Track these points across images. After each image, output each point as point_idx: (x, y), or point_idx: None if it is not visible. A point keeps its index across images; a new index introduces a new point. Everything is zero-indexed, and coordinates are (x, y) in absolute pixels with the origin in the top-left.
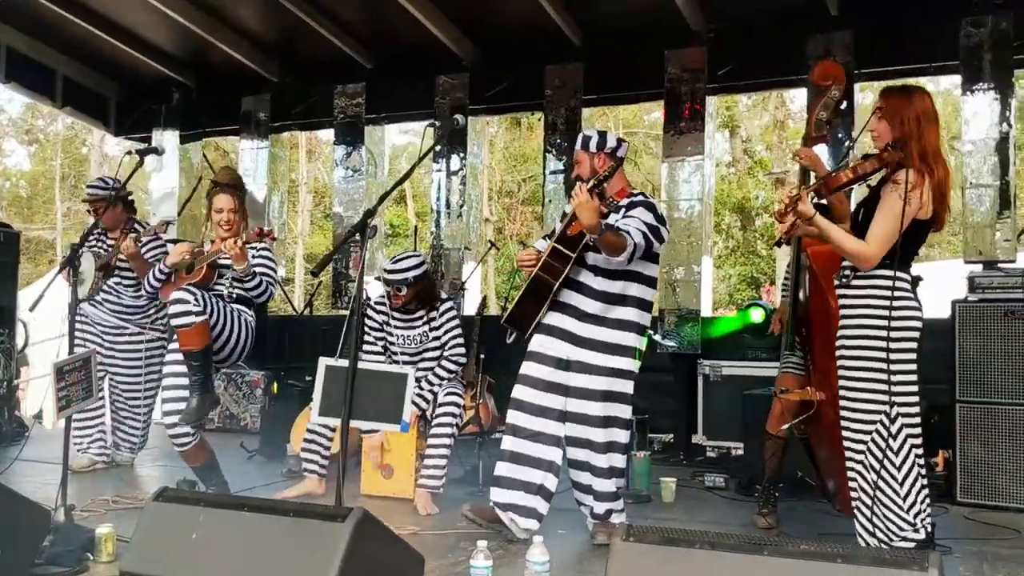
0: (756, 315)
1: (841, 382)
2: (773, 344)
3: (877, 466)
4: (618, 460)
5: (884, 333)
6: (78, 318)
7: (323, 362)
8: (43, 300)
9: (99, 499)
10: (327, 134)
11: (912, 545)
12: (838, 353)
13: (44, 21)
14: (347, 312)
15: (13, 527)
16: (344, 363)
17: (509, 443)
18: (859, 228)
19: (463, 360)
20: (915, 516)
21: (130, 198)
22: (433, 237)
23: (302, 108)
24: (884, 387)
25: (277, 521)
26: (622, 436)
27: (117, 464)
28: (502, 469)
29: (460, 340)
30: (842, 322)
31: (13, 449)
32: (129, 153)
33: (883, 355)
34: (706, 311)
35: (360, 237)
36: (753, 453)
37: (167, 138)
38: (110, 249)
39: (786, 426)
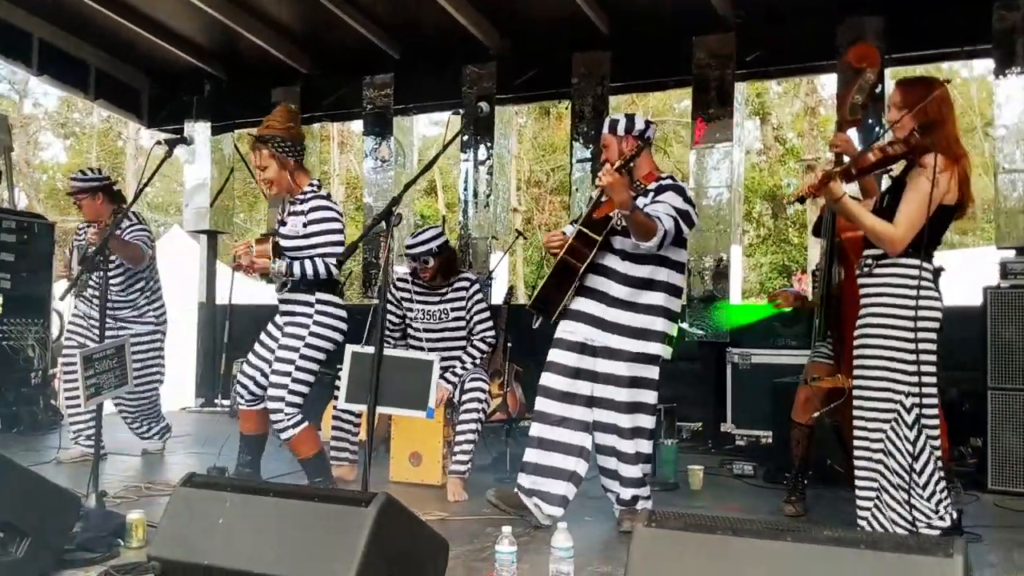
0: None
1: (858, 371)
2: (803, 332)
3: (899, 456)
4: (644, 446)
5: (906, 323)
6: (74, 314)
7: (349, 349)
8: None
9: (131, 486)
10: (359, 125)
11: (938, 533)
12: (857, 342)
13: (76, 14)
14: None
15: (44, 514)
16: (370, 350)
17: (537, 429)
18: (883, 214)
19: (493, 340)
20: (936, 504)
21: (115, 188)
22: (461, 227)
23: (332, 99)
24: (905, 377)
25: (302, 506)
26: (648, 422)
27: (148, 452)
28: (530, 455)
29: (489, 321)
30: (863, 311)
31: (50, 437)
32: (159, 143)
33: (905, 345)
34: (735, 299)
35: (385, 226)
36: (782, 441)
37: (199, 130)
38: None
39: (816, 414)
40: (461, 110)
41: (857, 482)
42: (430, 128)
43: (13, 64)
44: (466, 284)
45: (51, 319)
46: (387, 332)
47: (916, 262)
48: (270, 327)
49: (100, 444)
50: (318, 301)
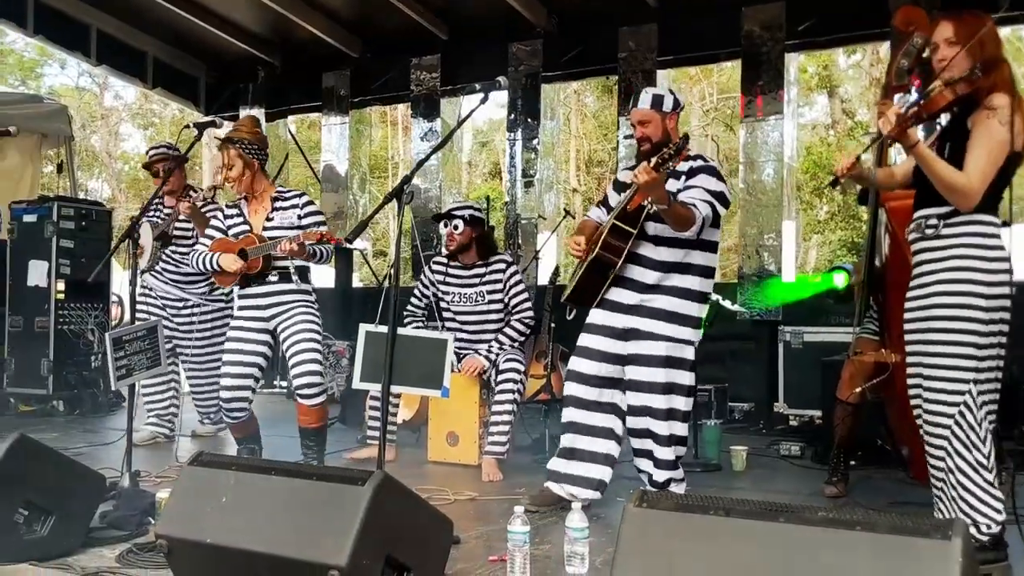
0: (839, 279)
1: (919, 347)
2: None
3: (962, 446)
4: (679, 428)
5: (985, 290)
6: (141, 290)
7: (363, 328)
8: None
9: (173, 465)
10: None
11: (1000, 526)
12: (913, 315)
13: (132, 4)
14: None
15: (68, 493)
16: (383, 329)
17: (570, 414)
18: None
19: (531, 322)
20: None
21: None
22: (507, 207)
23: (381, 82)
24: (976, 352)
25: (301, 484)
26: (684, 403)
27: (197, 435)
28: (565, 440)
29: (528, 303)
30: (926, 278)
31: (110, 419)
32: (187, 127)
33: (982, 315)
34: (788, 276)
35: (397, 203)
36: (831, 421)
37: (254, 116)
38: (166, 218)
39: (858, 390)
40: (500, 79)
41: (936, 473)
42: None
43: (72, 55)
44: (502, 267)
45: (110, 304)
46: (412, 312)
47: (996, 220)
48: (237, 332)
49: (132, 426)
50: (312, 291)
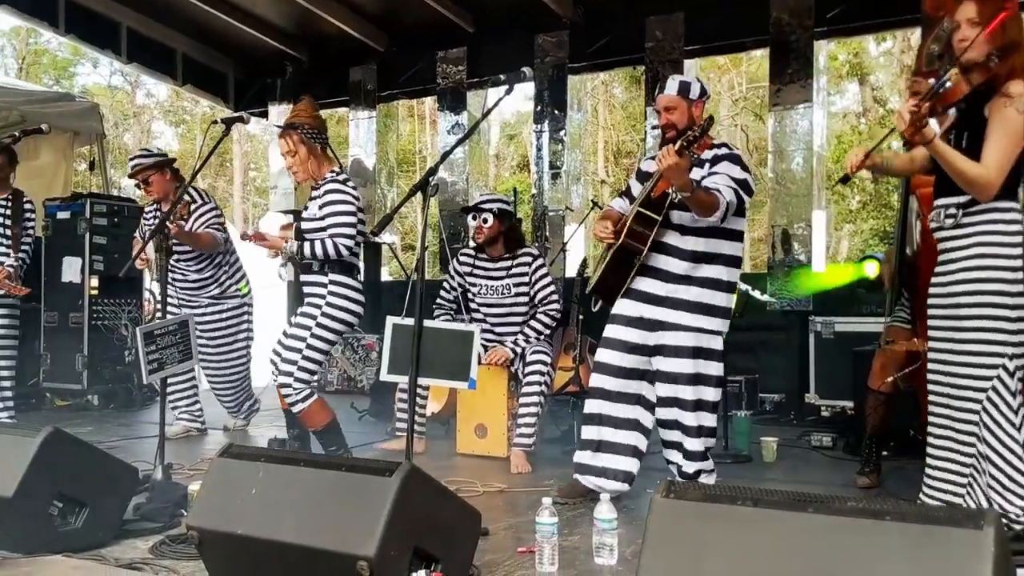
0: (870, 268)
1: (944, 333)
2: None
3: (997, 429)
4: (708, 419)
5: (1008, 275)
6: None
7: (390, 321)
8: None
9: (206, 459)
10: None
11: None
12: (937, 301)
13: (162, 2)
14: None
15: (101, 485)
16: (410, 322)
17: (595, 406)
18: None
19: (558, 315)
20: None
21: (174, 166)
22: (534, 199)
23: (407, 76)
24: (1007, 337)
25: (329, 476)
26: (712, 394)
27: (228, 429)
28: (588, 432)
29: (555, 295)
30: (949, 267)
31: (143, 412)
32: (215, 122)
33: (1008, 300)
34: (818, 266)
35: (422, 196)
36: (863, 411)
37: (282, 111)
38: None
39: (890, 379)
40: (526, 70)
41: (941, 464)
42: (505, 101)
43: (103, 53)
44: (528, 259)
45: (143, 299)
46: (441, 305)
47: (1016, 205)
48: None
49: (164, 419)
50: (331, 282)
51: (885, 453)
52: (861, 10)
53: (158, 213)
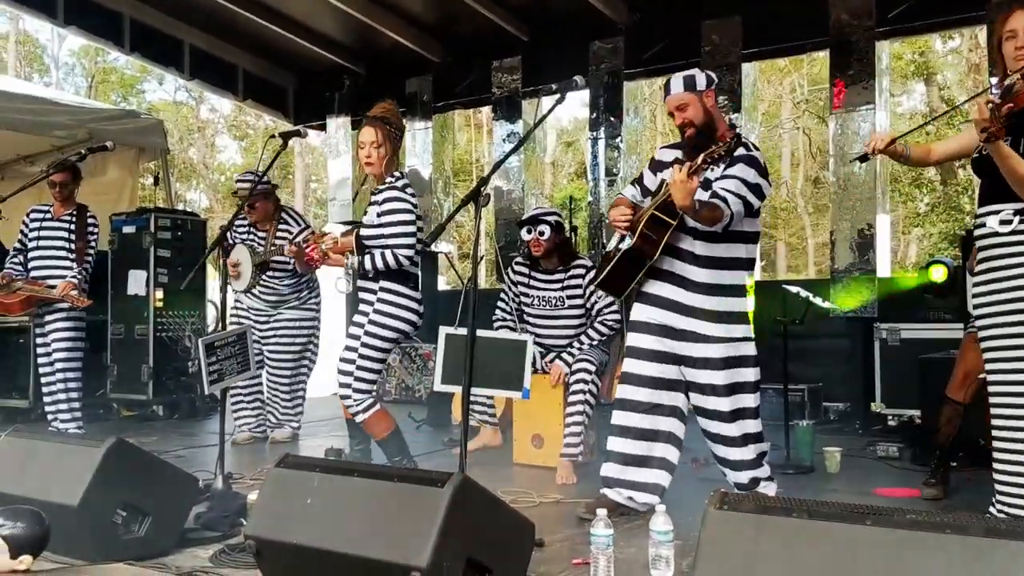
0: (938, 273)
1: (1006, 341)
2: (956, 304)
3: None
4: (751, 425)
5: None
6: (236, 305)
7: (443, 331)
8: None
9: (265, 468)
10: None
11: None
12: (994, 309)
13: (224, 20)
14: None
15: (163, 495)
16: (463, 332)
17: (621, 417)
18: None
19: (617, 324)
20: None
21: (275, 188)
22: (591, 207)
23: (463, 86)
24: None
25: (382, 486)
26: (751, 400)
27: (278, 440)
28: (615, 444)
29: (613, 304)
30: (1002, 273)
31: (207, 422)
32: (272, 136)
33: None
34: (883, 271)
35: (474, 206)
36: (930, 421)
37: (340, 124)
38: (262, 243)
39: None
40: (578, 78)
41: (996, 472)
42: (558, 109)
43: (167, 70)
44: (582, 271)
45: (206, 310)
46: (500, 316)
47: None
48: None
49: (224, 430)
50: (381, 289)
51: (954, 464)
52: (924, 8)
53: (253, 230)
